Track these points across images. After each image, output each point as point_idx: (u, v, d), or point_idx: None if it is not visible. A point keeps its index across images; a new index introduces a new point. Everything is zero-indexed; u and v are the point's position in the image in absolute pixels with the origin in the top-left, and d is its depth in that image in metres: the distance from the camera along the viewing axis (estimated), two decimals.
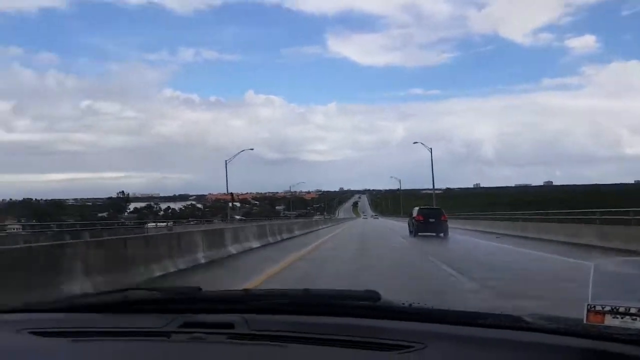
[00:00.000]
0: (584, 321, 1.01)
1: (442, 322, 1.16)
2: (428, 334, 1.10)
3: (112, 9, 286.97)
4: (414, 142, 45.38)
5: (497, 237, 20.58)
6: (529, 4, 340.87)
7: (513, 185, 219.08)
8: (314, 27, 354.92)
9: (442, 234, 23.00)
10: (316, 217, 73.63)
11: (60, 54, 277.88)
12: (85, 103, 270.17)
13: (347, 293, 1.37)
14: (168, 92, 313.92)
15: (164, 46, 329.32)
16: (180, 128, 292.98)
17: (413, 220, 24.15)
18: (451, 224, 25.22)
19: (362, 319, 1.20)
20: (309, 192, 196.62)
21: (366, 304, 1.25)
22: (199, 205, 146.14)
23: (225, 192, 45.09)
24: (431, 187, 44.30)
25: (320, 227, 39.92)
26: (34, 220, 58.96)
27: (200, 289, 1.41)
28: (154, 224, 43.00)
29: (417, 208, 24.91)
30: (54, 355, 1.10)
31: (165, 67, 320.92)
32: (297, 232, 25.89)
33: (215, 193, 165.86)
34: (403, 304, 1.26)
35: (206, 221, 49.78)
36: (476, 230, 27.57)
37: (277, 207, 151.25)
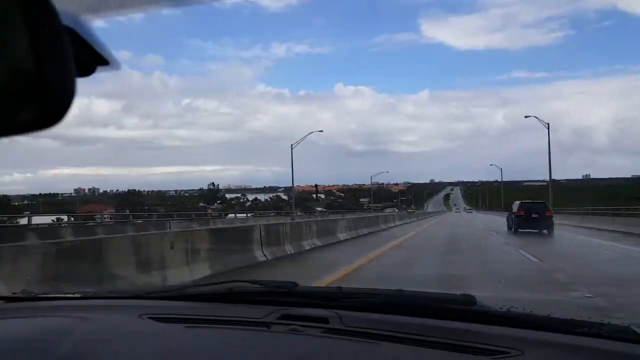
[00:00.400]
0: None
1: (541, 329, 1.13)
2: (525, 340, 1.07)
3: (211, 10, 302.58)
4: (526, 116, 37.39)
5: (624, 237, 17.40)
6: None
7: (629, 176, 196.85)
8: (407, 13, 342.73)
9: (545, 231, 20.23)
10: (388, 211, 64.92)
11: (164, 56, 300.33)
12: (186, 101, 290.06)
13: (443, 296, 1.40)
14: (261, 87, 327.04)
15: (258, 43, 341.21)
16: (271, 122, 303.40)
17: (513, 216, 21.47)
18: (559, 220, 22.02)
19: (456, 321, 1.19)
20: (397, 184, 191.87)
21: (462, 307, 1.25)
22: (284, 197, 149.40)
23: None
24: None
25: (393, 224, 30.30)
26: (128, 210, 65.19)
27: (296, 284, 1.49)
28: (232, 215, 44.25)
29: (517, 202, 22.09)
30: (171, 340, 1.20)
31: (258, 63, 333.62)
32: (364, 230, 20.60)
33: (303, 185, 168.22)
34: (500, 308, 1.25)
35: (285, 213, 49.31)
36: (589, 228, 23.99)
37: (361, 200, 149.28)
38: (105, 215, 33.74)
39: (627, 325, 1.10)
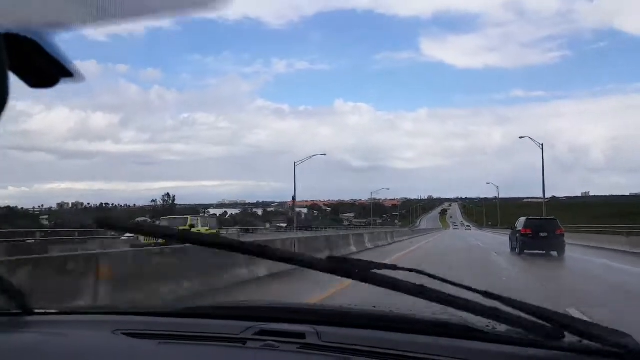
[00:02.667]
0: None
1: (511, 344, 1.16)
2: (502, 356, 1.12)
3: (212, 25, 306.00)
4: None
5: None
6: None
7: (628, 194, 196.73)
8: (407, 32, 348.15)
9: (555, 253, 18.43)
10: (376, 230, 43.68)
11: (163, 70, 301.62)
12: (184, 115, 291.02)
13: (414, 316, 1.38)
14: (260, 102, 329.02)
15: (258, 59, 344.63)
16: (270, 137, 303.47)
17: (518, 234, 19.61)
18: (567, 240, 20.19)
19: (436, 337, 1.21)
20: (393, 199, 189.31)
21: (440, 321, 1.27)
22: (259, 212, 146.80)
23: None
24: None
25: (355, 249, 20.93)
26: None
27: (277, 300, 1.60)
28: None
29: (523, 218, 20.26)
30: (144, 356, 1.23)
31: (258, 78, 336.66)
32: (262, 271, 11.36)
33: (299, 201, 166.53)
34: (475, 324, 1.25)
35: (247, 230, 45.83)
36: (602, 248, 22.25)
37: (345, 215, 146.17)
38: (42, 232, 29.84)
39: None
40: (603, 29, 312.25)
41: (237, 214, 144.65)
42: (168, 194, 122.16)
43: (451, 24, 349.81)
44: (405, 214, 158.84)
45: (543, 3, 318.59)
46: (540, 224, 19.29)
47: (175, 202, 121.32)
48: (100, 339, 1.32)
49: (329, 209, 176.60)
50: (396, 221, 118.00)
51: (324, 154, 48.04)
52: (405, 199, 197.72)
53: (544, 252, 18.83)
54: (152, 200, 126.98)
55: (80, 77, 0.67)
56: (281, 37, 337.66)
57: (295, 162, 42.01)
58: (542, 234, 18.73)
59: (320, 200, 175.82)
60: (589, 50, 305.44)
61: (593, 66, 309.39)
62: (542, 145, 36.58)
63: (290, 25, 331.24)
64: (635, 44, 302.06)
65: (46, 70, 0.64)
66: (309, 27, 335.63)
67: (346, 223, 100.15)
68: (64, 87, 0.67)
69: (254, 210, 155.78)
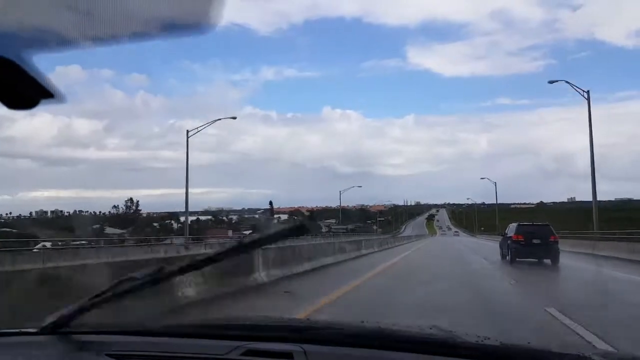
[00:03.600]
0: None
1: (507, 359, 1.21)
2: None
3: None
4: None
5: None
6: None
7: (613, 199, 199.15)
8: (395, 40, 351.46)
9: (549, 260, 17.45)
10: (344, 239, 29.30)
11: (149, 76, 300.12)
12: (170, 122, 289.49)
13: (409, 328, 1.41)
14: (248, 109, 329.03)
15: (247, 65, 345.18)
16: (258, 144, 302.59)
17: (509, 241, 18.57)
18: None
19: (425, 355, 1.22)
20: (383, 205, 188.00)
21: (431, 339, 1.28)
22: (234, 219, 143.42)
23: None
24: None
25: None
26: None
27: (265, 317, 1.58)
28: None
29: (514, 224, 19.25)
30: None
31: (246, 85, 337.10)
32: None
33: (284, 207, 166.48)
34: (475, 340, 1.28)
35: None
36: (597, 255, 21.33)
37: (325, 221, 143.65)
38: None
39: (588, 356, 1.17)
40: (585, 38, 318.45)
41: (208, 219, 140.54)
42: (131, 199, 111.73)
43: (438, 32, 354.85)
44: (391, 219, 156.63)
45: (529, 13, 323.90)
46: (532, 230, 18.27)
47: (139, 208, 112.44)
48: None
49: (309, 214, 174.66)
50: (375, 227, 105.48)
51: (234, 117, 41.56)
52: (393, 204, 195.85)
53: (537, 259, 17.93)
54: (114, 206, 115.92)
55: (61, 98, 0.65)
56: (270, 44, 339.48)
57: (187, 131, 32.00)
58: (535, 241, 17.72)
59: (303, 207, 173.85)
60: (571, 60, 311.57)
61: (577, 74, 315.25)
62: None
63: (278, 32, 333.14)
64: (618, 54, 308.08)
65: (25, 91, 0.61)
66: (297, 34, 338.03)
67: (324, 230, 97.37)
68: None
69: (230, 217, 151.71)
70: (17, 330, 1.53)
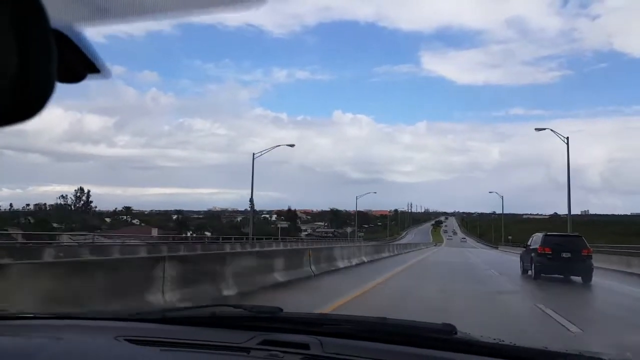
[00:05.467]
0: None
1: (516, 359, 1.24)
2: None
3: (214, 32, 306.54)
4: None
5: None
6: None
7: (629, 213, 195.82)
8: (409, 45, 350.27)
9: (580, 277, 15.27)
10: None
11: (161, 74, 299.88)
12: (181, 121, 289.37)
13: (424, 325, 1.44)
14: (259, 110, 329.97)
15: (259, 67, 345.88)
16: (267, 146, 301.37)
17: (533, 254, 16.28)
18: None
19: (437, 350, 1.27)
20: (388, 211, 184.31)
21: (443, 336, 1.32)
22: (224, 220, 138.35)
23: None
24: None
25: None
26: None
27: (281, 310, 1.56)
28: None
29: (540, 234, 17.01)
30: None
31: (257, 86, 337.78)
32: None
33: (292, 209, 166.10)
34: (479, 339, 1.34)
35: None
36: (616, 270, 19.04)
37: (314, 224, 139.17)
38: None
39: (599, 357, 1.22)
40: (604, 49, 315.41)
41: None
42: (81, 189, 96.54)
43: (453, 39, 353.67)
44: (394, 225, 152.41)
45: (545, 21, 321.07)
46: (562, 242, 16.00)
47: (91, 201, 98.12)
48: (101, 344, 1.34)
49: (309, 217, 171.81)
50: (358, 232, 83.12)
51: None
52: (396, 209, 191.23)
53: (566, 276, 15.74)
54: (61, 196, 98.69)
55: (107, 73, 0.67)
56: (282, 46, 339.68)
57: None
58: (564, 254, 15.47)
59: (303, 210, 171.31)
60: (589, 71, 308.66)
61: (593, 86, 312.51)
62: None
63: (291, 34, 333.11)
64: (636, 66, 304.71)
65: (75, 64, 0.63)
66: (310, 37, 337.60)
67: (305, 234, 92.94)
68: (60, 86, 0.64)
69: (222, 218, 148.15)
70: (36, 314, 1.65)
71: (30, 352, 1.23)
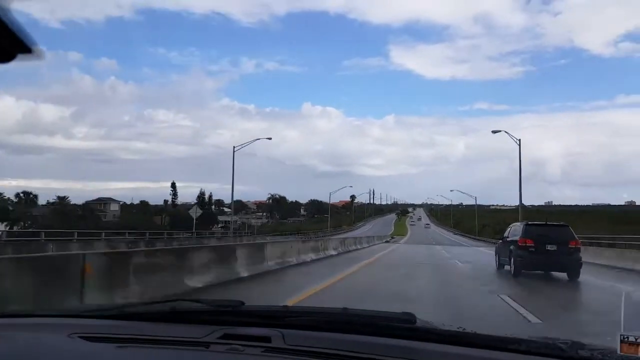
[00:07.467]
0: (618, 352, 1.14)
1: (475, 346, 1.26)
2: (463, 357, 1.21)
3: (178, 19, 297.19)
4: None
5: None
6: (613, 4, 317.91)
7: (590, 204, 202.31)
8: (378, 38, 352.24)
9: (566, 273, 13.57)
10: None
11: (120, 61, 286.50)
12: (143, 111, 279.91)
13: (385, 314, 1.48)
14: (225, 101, 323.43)
15: (226, 56, 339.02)
16: (235, 138, 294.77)
17: (512, 247, 14.41)
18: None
19: (398, 339, 1.29)
20: (347, 201, 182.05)
21: (403, 325, 1.36)
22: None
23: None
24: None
25: None
26: None
27: (243, 303, 1.55)
28: None
29: (519, 224, 15.27)
30: None
31: (224, 76, 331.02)
32: None
33: (252, 200, 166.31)
34: (440, 326, 1.38)
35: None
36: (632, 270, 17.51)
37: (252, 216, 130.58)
38: None
39: (554, 343, 1.26)
40: (565, 46, 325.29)
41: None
42: (25, 192, 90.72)
43: (421, 33, 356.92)
44: (348, 215, 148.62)
45: (510, 17, 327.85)
46: (546, 233, 14.17)
47: (37, 201, 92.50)
48: (55, 342, 1.31)
49: (254, 208, 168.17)
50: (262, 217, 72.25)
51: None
52: (353, 196, 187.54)
53: (548, 271, 14.12)
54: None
55: (40, 53, 0.64)
56: (250, 35, 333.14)
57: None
58: (549, 247, 13.63)
59: (256, 201, 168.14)
60: (550, 67, 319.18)
61: (553, 82, 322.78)
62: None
63: (260, 23, 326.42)
64: (594, 63, 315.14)
65: (5, 44, 0.60)
66: (279, 27, 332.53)
67: (220, 225, 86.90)
68: (9, 71, 0.60)
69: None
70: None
71: None
